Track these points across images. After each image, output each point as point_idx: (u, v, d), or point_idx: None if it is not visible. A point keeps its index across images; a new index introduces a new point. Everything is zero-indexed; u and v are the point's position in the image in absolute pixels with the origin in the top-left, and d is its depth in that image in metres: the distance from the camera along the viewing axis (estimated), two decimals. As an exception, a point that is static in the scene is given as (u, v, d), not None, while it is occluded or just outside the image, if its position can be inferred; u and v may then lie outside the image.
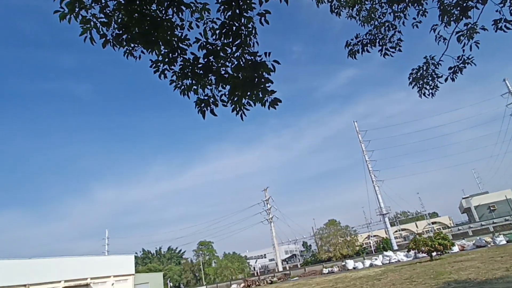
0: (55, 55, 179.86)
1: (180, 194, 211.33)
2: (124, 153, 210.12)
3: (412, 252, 34.84)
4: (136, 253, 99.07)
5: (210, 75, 4.58)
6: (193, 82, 4.65)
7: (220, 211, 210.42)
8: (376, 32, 7.32)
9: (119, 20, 4.23)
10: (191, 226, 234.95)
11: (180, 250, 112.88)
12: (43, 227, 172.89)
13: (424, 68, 7.70)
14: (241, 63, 4.42)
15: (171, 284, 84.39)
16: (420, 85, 7.67)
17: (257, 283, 51.42)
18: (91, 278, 54.22)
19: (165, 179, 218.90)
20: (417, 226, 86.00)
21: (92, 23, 4.21)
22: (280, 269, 68.58)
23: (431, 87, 7.65)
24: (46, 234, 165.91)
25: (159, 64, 4.61)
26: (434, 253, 29.40)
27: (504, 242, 38.15)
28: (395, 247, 60.14)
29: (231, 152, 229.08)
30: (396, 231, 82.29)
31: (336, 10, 7.65)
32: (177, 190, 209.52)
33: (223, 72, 4.56)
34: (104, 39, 4.30)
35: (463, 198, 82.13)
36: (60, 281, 49.92)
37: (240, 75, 4.36)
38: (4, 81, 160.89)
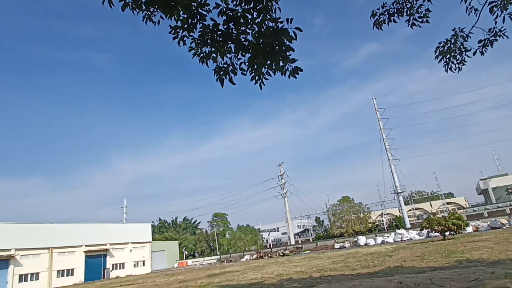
0: (74, 25, 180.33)
1: (196, 167, 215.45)
2: (142, 124, 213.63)
3: (425, 231, 34.86)
4: (153, 222, 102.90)
5: (229, 42, 4.48)
6: (212, 49, 4.57)
7: (235, 184, 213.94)
8: (403, 1, 6.99)
9: (138, -18, 4.12)
10: (206, 198, 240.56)
11: (196, 221, 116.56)
12: (64, 194, 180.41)
13: (452, 41, 7.37)
14: (262, 29, 4.30)
15: (186, 252, 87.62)
16: (447, 59, 7.37)
17: (269, 255, 52.76)
18: (110, 244, 56.91)
19: (182, 151, 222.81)
20: (431, 206, 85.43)
21: (111, -15, 4.11)
22: (293, 242, 70.01)
23: (458, 61, 7.35)
24: (66, 201, 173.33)
25: (178, 30, 4.53)
26: (447, 233, 29.28)
27: (521, 224, 37.59)
28: (408, 226, 60.17)
29: (248, 127, 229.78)
30: (410, 210, 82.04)
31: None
32: (194, 162, 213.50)
33: (243, 39, 4.45)
34: (123, 2, 4.22)
35: (481, 179, 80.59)
36: (81, 246, 52.62)
37: (260, 42, 4.26)
38: (25, 50, 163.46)
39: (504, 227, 37.83)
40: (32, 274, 46.12)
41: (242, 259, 56.34)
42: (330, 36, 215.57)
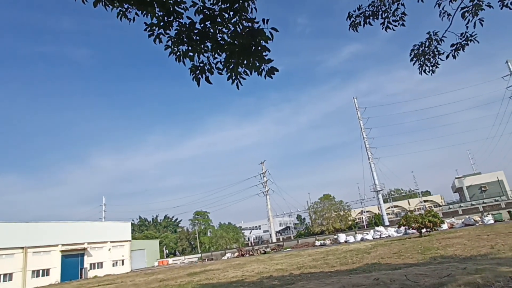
0: (52, 16, 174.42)
1: (178, 164, 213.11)
2: (123, 121, 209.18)
3: (402, 228, 35.75)
4: (133, 220, 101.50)
5: (206, 41, 4.45)
6: (189, 48, 4.52)
7: (218, 182, 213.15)
8: (379, 3, 7.10)
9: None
10: (188, 196, 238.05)
11: (177, 219, 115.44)
12: (40, 192, 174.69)
13: (427, 44, 7.55)
14: (238, 29, 4.29)
15: (167, 251, 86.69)
16: (421, 62, 7.56)
17: (250, 252, 52.86)
18: (88, 243, 55.66)
19: (164, 148, 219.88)
20: (409, 204, 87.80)
21: (83, -20, 4.00)
22: (274, 240, 70.39)
23: (432, 64, 7.54)
24: (43, 199, 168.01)
25: (154, 27, 4.45)
26: (423, 230, 30.15)
27: (492, 221, 39.12)
28: (387, 223, 61.55)
29: (231, 124, 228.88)
30: (389, 208, 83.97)
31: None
32: (176, 160, 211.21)
33: (219, 38, 4.43)
34: (94, -3, 4.08)
35: (456, 178, 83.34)
36: (57, 245, 51.23)
37: (236, 42, 4.24)
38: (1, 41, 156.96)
39: (477, 224, 39.30)
40: (5, 275, 44.61)
41: (223, 257, 56.24)
42: (314, 35, 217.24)
